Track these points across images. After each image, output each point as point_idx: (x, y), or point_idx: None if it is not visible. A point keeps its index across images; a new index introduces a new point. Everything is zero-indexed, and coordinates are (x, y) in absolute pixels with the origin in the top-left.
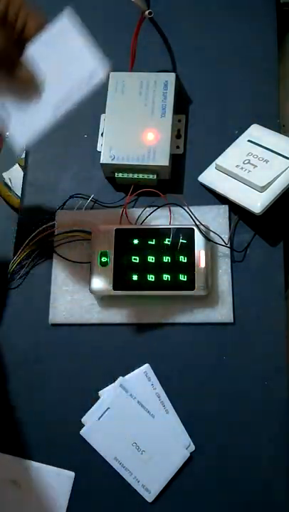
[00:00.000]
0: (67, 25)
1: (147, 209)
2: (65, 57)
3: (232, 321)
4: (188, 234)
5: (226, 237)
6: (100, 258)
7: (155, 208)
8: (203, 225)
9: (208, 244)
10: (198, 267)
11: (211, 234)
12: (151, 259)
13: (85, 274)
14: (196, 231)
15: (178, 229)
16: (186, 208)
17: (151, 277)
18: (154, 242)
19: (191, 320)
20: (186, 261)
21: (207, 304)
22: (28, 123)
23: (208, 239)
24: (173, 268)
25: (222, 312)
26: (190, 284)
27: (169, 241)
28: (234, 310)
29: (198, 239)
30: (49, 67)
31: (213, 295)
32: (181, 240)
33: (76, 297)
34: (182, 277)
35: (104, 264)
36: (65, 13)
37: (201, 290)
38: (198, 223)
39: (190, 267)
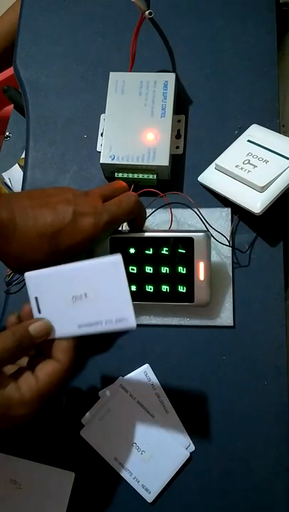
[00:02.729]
0: (117, 266)
1: (149, 206)
2: (107, 292)
3: (232, 324)
4: (188, 244)
5: (228, 235)
6: None
7: (155, 208)
8: (207, 228)
9: (208, 254)
10: (198, 278)
11: (215, 234)
12: (149, 269)
13: None
14: (195, 241)
15: (176, 238)
16: (195, 210)
17: (149, 288)
18: (151, 252)
19: (191, 323)
20: (185, 272)
21: (207, 309)
22: (56, 322)
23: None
24: (172, 279)
25: (222, 316)
26: (189, 296)
27: (167, 251)
28: (234, 310)
29: (198, 249)
30: (92, 293)
31: (213, 300)
32: (179, 250)
33: None
34: (181, 289)
35: None
36: (116, 256)
37: (201, 302)
38: (206, 225)
39: (189, 279)
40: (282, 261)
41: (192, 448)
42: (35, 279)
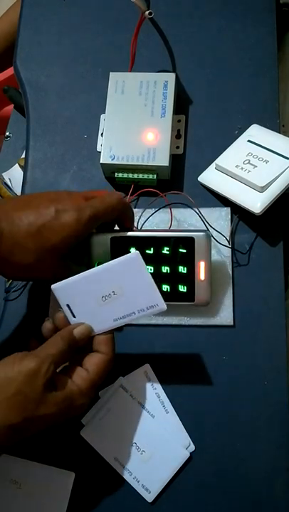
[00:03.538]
0: (137, 262)
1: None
2: (134, 285)
3: (232, 323)
4: (188, 243)
5: (227, 235)
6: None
7: (156, 209)
8: (207, 227)
9: (208, 253)
10: (198, 278)
11: (214, 234)
12: (149, 269)
13: None
14: (195, 241)
15: (177, 238)
16: (195, 210)
17: None
18: (152, 252)
19: (191, 323)
20: (185, 272)
21: (207, 308)
22: (92, 321)
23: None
24: (172, 279)
25: (222, 315)
26: (190, 296)
27: (168, 250)
28: (234, 310)
29: (199, 249)
30: (120, 290)
31: (213, 300)
32: (180, 250)
33: None
34: (182, 288)
35: None
36: (134, 253)
37: (202, 302)
38: (206, 224)
39: (190, 279)
40: (283, 261)
41: (192, 448)
42: (62, 289)
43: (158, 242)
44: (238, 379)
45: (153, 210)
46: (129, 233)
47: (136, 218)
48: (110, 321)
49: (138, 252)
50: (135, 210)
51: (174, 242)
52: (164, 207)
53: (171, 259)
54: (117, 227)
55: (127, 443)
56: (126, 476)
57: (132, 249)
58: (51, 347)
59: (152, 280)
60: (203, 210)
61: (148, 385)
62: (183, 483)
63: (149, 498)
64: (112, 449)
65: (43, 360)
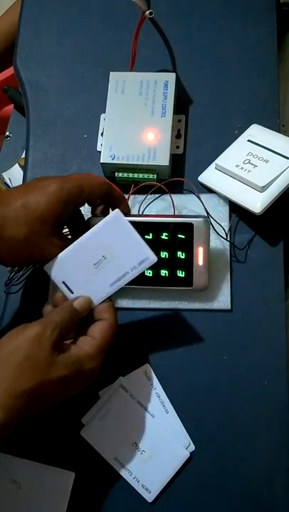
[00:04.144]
0: (119, 220)
1: (149, 196)
2: (121, 245)
3: (229, 307)
4: (187, 229)
5: (225, 224)
6: None
7: (157, 196)
8: (207, 214)
9: (207, 239)
10: (197, 263)
11: (213, 223)
12: None
13: None
14: (194, 226)
15: (176, 224)
16: (196, 195)
17: (148, 272)
18: (151, 237)
19: (189, 307)
20: (184, 257)
21: (205, 293)
22: (90, 292)
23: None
24: (171, 264)
25: (220, 300)
26: (188, 281)
27: (166, 236)
28: (234, 310)
29: (197, 234)
30: (109, 252)
31: (211, 285)
32: (179, 236)
33: None
34: (180, 273)
35: None
36: (115, 211)
37: (199, 286)
38: (207, 212)
39: (188, 264)
40: (282, 260)
41: (192, 448)
42: (55, 267)
43: (157, 227)
44: (238, 379)
45: (154, 197)
46: (129, 218)
47: (137, 206)
48: (107, 287)
49: (118, 209)
50: (136, 198)
51: (173, 228)
52: (164, 194)
53: (169, 244)
54: None
55: (127, 443)
56: (126, 476)
57: (114, 211)
58: (53, 315)
59: (138, 235)
60: (201, 196)
61: (148, 385)
62: (183, 483)
63: (149, 498)
64: (112, 449)
65: (46, 324)
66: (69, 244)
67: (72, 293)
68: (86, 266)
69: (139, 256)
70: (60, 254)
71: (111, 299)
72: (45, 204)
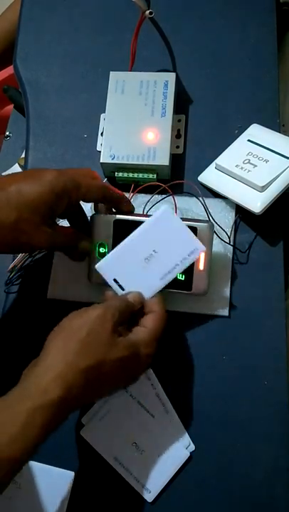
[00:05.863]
0: (169, 214)
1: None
2: (170, 239)
3: (227, 314)
4: None
5: (229, 230)
6: (98, 249)
7: (163, 196)
8: (211, 220)
9: (210, 244)
10: (197, 268)
11: (216, 228)
12: None
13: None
14: (198, 230)
15: None
16: (200, 199)
17: None
18: None
19: (187, 309)
20: None
21: (204, 298)
22: (140, 288)
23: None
24: None
25: (218, 305)
26: (187, 285)
27: None
28: (234, 310)
29: (201, 239)
30: (159, 247)
31: (211, 290)
32: None
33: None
34: (180, 276)
35: (102, 255)
36: (164, 207)
37: (199, 291)
38: (210, 217)
39: (189, 268)
40: (283, 261)
41: (192, 448)
42: (106, 265)
43: None
44: (238, 379)
45: (159, 198)
46: (133, 217)
47: (142, 206)
48: (157, 280)
49: (166, 205)
50: (137, 198)
51: None
52: (169, 195)
53: None
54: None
55: (127, 443)
56: (126, 475)
57: (163, 206)
58: (114, 301)
59: (186, 226)
60: (207, 201)
61: (148, 385)
62: (183, 483)
63: (149, 498)
64: (112, 449)
65: (107, 307)
66: (60, 233)
67: (123, 290)
68: (137, 261)
69: (189, 247)
70: (110, 253)
71: (160, 292)
72: (38, 192)
